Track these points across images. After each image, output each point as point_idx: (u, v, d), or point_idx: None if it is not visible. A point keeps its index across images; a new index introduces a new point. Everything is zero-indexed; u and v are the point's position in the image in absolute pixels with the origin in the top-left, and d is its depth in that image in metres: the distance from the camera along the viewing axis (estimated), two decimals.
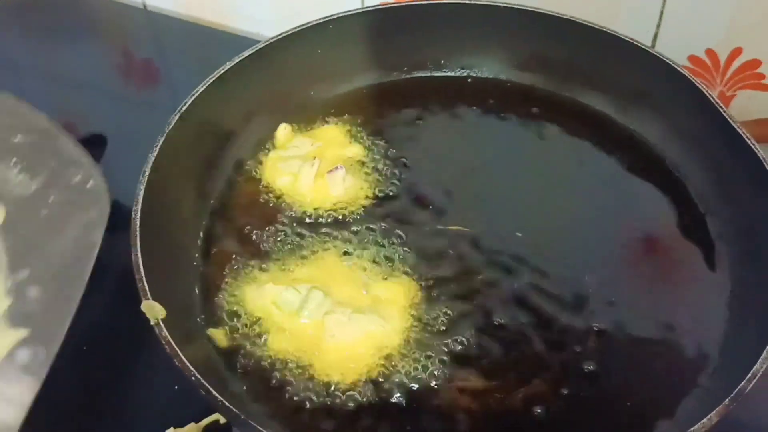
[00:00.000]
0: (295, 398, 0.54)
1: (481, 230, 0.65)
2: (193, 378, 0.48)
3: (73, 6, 1.14)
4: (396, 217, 0.65)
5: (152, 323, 0.51)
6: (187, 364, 0.49)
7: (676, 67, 0.68)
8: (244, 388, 0.55)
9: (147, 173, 0.59)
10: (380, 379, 0.55)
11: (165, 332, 0.50)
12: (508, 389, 0.55)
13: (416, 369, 0.56)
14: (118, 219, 0.73)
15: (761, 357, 0.49)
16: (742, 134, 0.62)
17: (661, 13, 0.81)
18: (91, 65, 1.02)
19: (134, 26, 1.11)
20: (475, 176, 0.70)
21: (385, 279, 0.60)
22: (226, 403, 0.47)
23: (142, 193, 0.58)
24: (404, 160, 0.70)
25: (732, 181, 0.64)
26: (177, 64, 1.03)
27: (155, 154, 0.61)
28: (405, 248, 0.63)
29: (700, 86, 0.66)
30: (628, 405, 0.55)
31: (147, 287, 0.53)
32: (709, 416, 0.47)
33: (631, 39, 0.70)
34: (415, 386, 0.55)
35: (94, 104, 0.96)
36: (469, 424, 0.54)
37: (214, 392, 0.48)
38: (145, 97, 0.98)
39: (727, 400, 0.47)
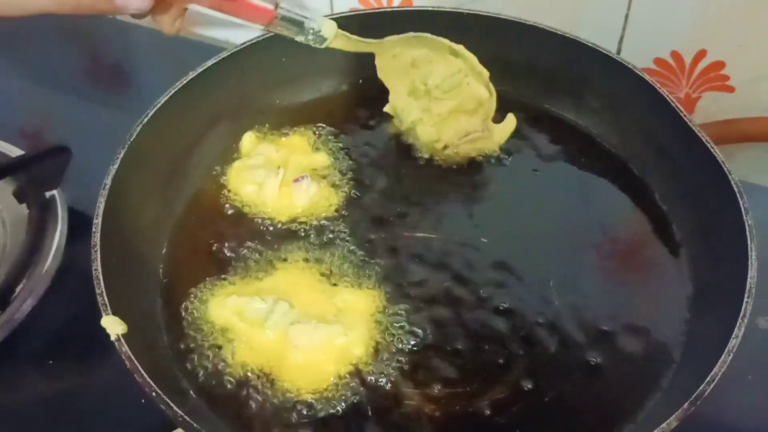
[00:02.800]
0: (260, 410, 0.54)
1: (447, 237, 0.65)
2: (153, 393, 0.48)
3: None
4: (361, 225, 0.65)
5: (112, 339, 0.51)
6: (148, 379, 0.49)
7: (637, 71, 0.68)
8: (208, 401, 0.55)
9: (108, 185, 0.59)
10: (345, 388, 0.55)
11: (125, 347, 0.50)
12: (472, 395, 0.55)
13: (381, 377, 0.56)
14: (81, 228, 0.73)
15: (719, 360, 0.49)
16: (702, 137, 0.62)
17: (626, 16, 0.81)
18: (59, 71, 1.01)
19: (103, 33, 1.10)
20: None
21: (350, 288, 0.60)
22: (187, 418, 0.47)
23: (102, 205, 0.58)
24: (369, 167, 0.70)
25: (693, 183, 0.64)
26: (146, 72, 1.02)
27: (116, 165, 0.60)
28: (370, 256, 0.63)
29: (661, 91, 0.66)
30: (590, 409, 0.55)
31: (107, 302, 0.52)
32: (668, 420, 0.47)
33: (593, 44, 0.70)
34: (380, 394, 0.55)
35: (60, 110, 0.95)
36: (434, 430, 0.54)
37: (174, 407, 0.48)
38: (113, 104, 0.97)
39: (686, 403, 0.48)
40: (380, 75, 0.71)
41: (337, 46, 0.66)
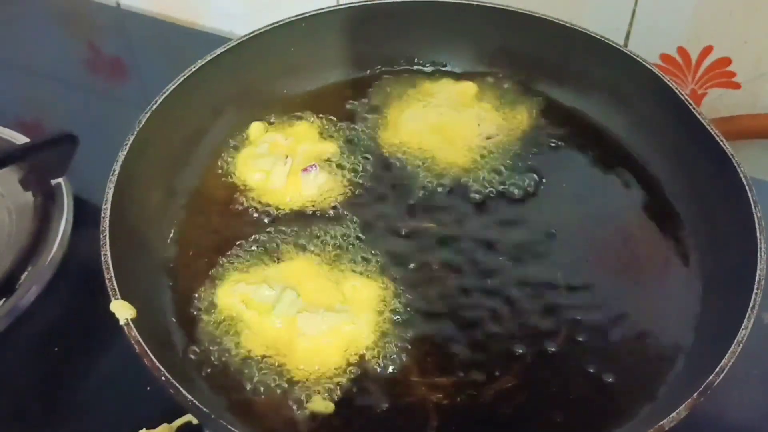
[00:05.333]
0: (266, 396, 0.54)
1: (454, 228, 0.65)
2: (162, 378, 0.48)
3: (44, 1, 1.12)
4: (368, 214, 0.65)
5: (121, 323, 0.51)
6: (157, 363, 0.49)
7: (647, 65, 0.68)
8: (216, 387, 0.55)
9: (117, 171, 0.59)
10: (352, 377, 0.55)
11: (134, 332, 0.50)
12: (478, 385, 0.55)
13: (388, 365, 0.56)
14: (87, 216, 0.73)
15: (729, 351, 0.49)
16: (711, 130, 0.62)
17: (634, 11, 0.81)
18: (62, 61, 1.01)
19: (106, 23, 1.10)
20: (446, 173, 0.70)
21: (357, 276, 0.60)
22: (197, 403, 0.47)
23: (111, 191, 0.57)
24: (377, 156, 0.70)
25: (702, 176, 0.64)
26: (148, 62, 1.02)
27: (125, 152, 0.60)
28: (377, 245, 0.63)
29: (670, 84, 0.66)
30: (599, 400, 0.55)
31: (116, 287, 0.52)
32: (678, 410, 0.47)
33: (602, 36, 0.70)
34: (387, 382, 0.55)
35: (63, 101, 0.95)
36: (440, 419, 0.54)
37: (183, 392, 0.47)
38: (116, 95, 0.97)
39: (695, 393, 0.48)
40: None
41: None
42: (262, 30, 0.72)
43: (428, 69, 0.79)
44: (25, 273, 0.69)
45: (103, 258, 0.53)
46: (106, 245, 0.54)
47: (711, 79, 0.84)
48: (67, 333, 0.68)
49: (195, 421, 0.58)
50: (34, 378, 0.65)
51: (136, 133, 0.62)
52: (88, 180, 0.77)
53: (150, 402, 0.61)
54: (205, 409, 0.47)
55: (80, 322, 0.68)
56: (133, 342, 0.50)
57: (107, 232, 0.55)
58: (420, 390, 0.55)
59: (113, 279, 0.52)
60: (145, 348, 0.49)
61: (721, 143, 0.61)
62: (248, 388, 0.55)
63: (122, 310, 0.51)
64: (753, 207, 0.56)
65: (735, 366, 0.50)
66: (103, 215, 0.56)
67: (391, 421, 0.54)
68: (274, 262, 0.61)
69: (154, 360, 0.49)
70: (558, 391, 0.55)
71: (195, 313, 0.59)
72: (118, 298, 0.52)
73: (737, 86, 0.83)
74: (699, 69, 0.83)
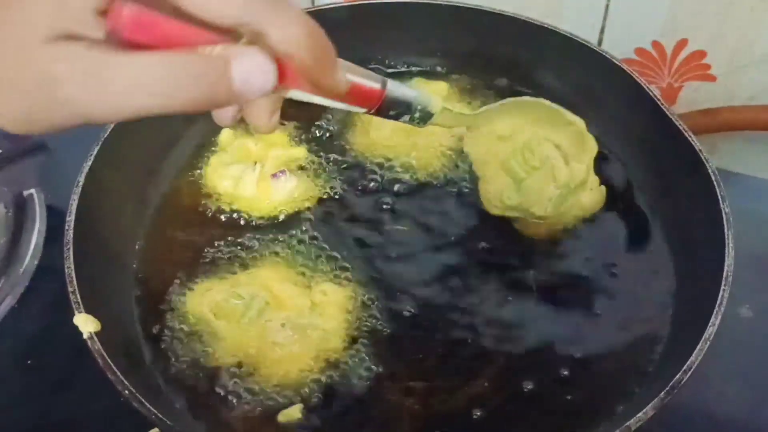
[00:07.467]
0: (237, 407, 0.54)
1: (424, 232, 0.64)
2: (126, 392, 0.48)
3: None
4: (338, 220, 0.65)
5: (85, 336, 0.50)
6: (121, 377, 0.48)
7: (615, 61, 0.68)
8: (185, 399, 0.54)
9: (81, 183, 0.58)
10: (323, 383, 0.55)
11: (98, 345, 0.50)
12: (452, 389, 0.55)
13: (360, 372, 0.56)
14: (60, 227, 0.73)
15: (696, 349, 0.49)
16: (680, 126, 0.62)
17: (607, 6, 0.81)
18: None
19: None
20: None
21: (327, 282, 0.60)
22: (161, 416, 0.47)
23: (75, 203, 0.57)
24: (348, 161, 0.70)
25: (672, 173, 0.64)
26: None
27: (90, 163, 0.60)
28: (348, 250, 0.62)
29: (638, 80, 0.66)
30: (571, 402, 0.55)
31: (80, 300, 0.52)
32: (644, 410, 0.47)
33: (572, 35, 0.70)
34: (359, 388, 0.55)
35: None
36: (413, 423, 0.54)
37: (147, 405, 0.47)
38: None
39: (662, 393, 0.48)
40: (468, 149, 0.65)
41: (437, 123, 0.53)
42: None
43: (400, 70, 0.78)
44: None
45: (66, 271, 0.53)
46: (69, 258, 0.54)
47: (687, 72, 0.84)
48: (41, 345, 0.67)
49: None
50: (8, 391, 0.65)
51: (101, 143, 0.61)
52: (61, 190, 0.77)
53: (125, 413, 0.60)
54: (168, 422, 0.47)
55: (54, 333, 0.68)
56: (96, 356, 0.50)
57: (71, 245, 0.54)
58: (392, 395, 0.55)
59: (77, 292, 0.52)
60: (109, 362, 0.49)
61: (689, 138, 0.61)
62: (218, 398, 0.54)
63: (86, 324, 0.51)
64: (721, 202, 0.56)
65: (714, 361, 0.50)
66: (67, 227, 0.55)
67: (365, 427, 0.54)
68: (244, 269, 0.61)
69: (118, 374, 0.49)
70: (530, 394, 0.55)
71: (164, 322, 0.58)
72: (81, 312, 0.51)
73: (713, 79, 0.83)
74: (674, 62, 0.83)
